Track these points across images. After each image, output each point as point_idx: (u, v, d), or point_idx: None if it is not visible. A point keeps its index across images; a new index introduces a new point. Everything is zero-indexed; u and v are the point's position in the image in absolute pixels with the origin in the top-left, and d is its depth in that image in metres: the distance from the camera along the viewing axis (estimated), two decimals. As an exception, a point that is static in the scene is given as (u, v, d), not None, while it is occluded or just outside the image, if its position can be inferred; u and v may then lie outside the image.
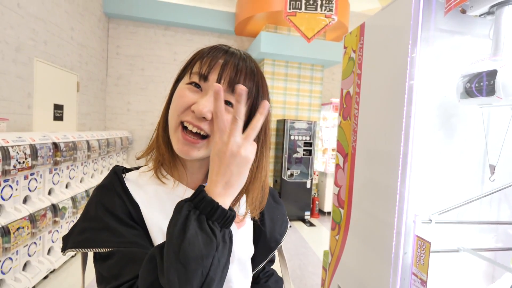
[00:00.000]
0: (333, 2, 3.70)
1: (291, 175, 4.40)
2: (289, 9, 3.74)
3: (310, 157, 4.47)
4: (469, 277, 1.09)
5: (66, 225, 2.70)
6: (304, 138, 4.43)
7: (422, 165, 0.99)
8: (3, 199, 1.91)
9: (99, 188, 0.52)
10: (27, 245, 2.15)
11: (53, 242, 2.51)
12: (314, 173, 4.82)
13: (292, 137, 4.38)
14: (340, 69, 1.59)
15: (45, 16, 3.00)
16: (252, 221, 0.63)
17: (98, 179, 3.33)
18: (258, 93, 0.52)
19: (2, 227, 1.81)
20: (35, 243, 2.25)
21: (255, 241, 0.63)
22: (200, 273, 0.36)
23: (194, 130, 0.48)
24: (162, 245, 0.40)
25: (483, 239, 1.08)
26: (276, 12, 4.13)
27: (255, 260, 0.63)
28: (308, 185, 4.46)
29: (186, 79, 0.51)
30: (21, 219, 1.97)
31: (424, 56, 0.95)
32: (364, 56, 1.31)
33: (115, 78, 4.82)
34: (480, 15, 0.90)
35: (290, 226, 3.90)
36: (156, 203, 0.52)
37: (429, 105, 1.01)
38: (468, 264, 1.08)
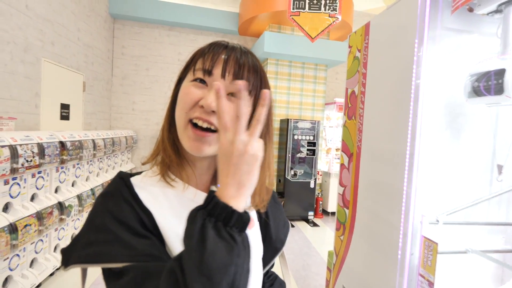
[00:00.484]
0: (337, 1, 3.69)
1: (295, 174, 4.40)
2: (293, 9, 3.73)
3: (314, 157, 4.46)
4: (477, 279, 1.08)
5: (72, 223, 2.73)
6: (307, 137, 4.42)
7: (429, 165, 0.98)
8: (11, 196, 1.93)
9: (104, 196, 0.48)
10: (34, 242, 2.18)
11: (59, 239, 2.53)
12: (318, 173, 4.81)
13: (295, 137, 4.38)
14: (344, 68, 1.59)
15: (53, 17, 3.03)
16: (258, 222, 0.63)
17: (104, 177, 3.36)
18: (261, 86, 0.51)
19: (10, 224, 1.84)
20: (41, 240, 2.28)
21: (262, 242, 0.63)
22: (225, 283, 0.35)
23: (205, 125, 0.47)
24: (179, 257, 0.37)
25: (492, 241, 1.07)
26: (280, 12, 4.13)
27: (263, 261, 0.62)
28: (312, 185, 4.45)
29: (190, 77, 0.50)
30: (28, 216, 2.00)
31: (430, 55, 0.94)
32: (369, 55, 1.31)
33: (120, 78, 4.85)
34: (487, 14, 0.89)
35: (293, 226, 3.88)
36: (168, 208, 0.49)
37: (436, 104, 1.00)
38: (477, 266, 1.07)
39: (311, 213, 4.47)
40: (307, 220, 4.49)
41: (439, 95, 1.00)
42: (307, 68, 4.74)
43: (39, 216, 2.11)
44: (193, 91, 0.48)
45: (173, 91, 0.55)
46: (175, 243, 0.46)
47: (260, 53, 4.39)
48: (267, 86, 0.53)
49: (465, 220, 1.00)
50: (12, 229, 1.85)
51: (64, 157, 2.43)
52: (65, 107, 3.36)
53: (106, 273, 0.43)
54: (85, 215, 2.97)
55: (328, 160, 4.89)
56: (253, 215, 0.61)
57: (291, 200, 4.37)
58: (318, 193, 4.91)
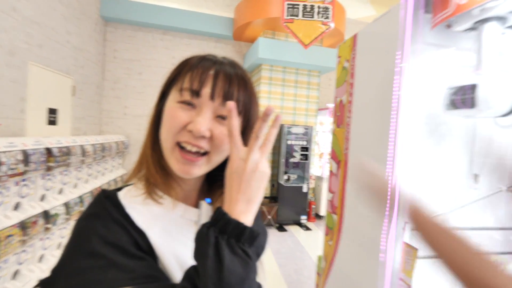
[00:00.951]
0: (330, 10, 3.72)
1: (288, 179, 4.40)
2: (287, 16, 3.76)
3: (307, 161, 4.47)
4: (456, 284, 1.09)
5: (58, 232, 2.67)
6: (301, 142, 4.44)
7: (411, 172, 0.99)
8: (-7, 205, 1.89)
9: (90, 218, 0.45)
10: (17, 253, 2.12)
11: (44, 249, 2.47)
12: (311, 177, 4.81)
13: (289, 142, 4.39)
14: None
15: (41, 19, 3.00)
16: None
17: (93, 184, 3.31)
18: (251, 102, 0.50)
19: (-8, 234, 1.79)
20: (25, 251, 2.22)
21: None
22: None
23: (194, 149, 0.46)
24: (190, 277, 0.38)
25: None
26: (274, 19, 4.15)
27: None
28: (305, 189, 4.45)
29: (176, 96, 0.47)
30: (11, 226, 1.95)
31: (412, 67, 0.95)
32: (357, 66, 1.32)
33: (112, 82, 4.81)
34: (464, 30, 0.91)
35: (286, 230, 3.89)
36: (159, 226, 0.48)
37: (418, 114, 1.01)
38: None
39: (304, 217, 4.47)
40: (300, 224, 4.48)
41: (420, 105, 1.01)
42: (300, 74, 4.76)
43: (23, 226, 2.06)
44: (180, 115, 0.46)
45: (156, 106, 0.52)
46: (170, 262, 0.45)
47: (254, 59, 4.40)
48: (255, 99, 0.51)
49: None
50: (-6, 238, 1.80)
51: (51, 164, 2.38)
52: (52, 111, 3.30)
53: None
54: (72, 224, 2.91)
55: (321, 165, 4.91)
56: None
57: (284, 204, 4.36)
58: (311, 197, 4.92)
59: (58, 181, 2.66)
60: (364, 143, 1.23)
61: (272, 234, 4.06)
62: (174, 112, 0.46)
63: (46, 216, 2.35)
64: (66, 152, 2.62)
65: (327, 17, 3.77)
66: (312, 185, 5.01)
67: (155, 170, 0.49)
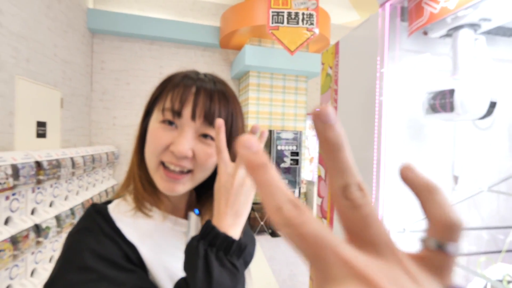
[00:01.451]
0: (314, 16, 3.83)
1: (279, 184, 4.43)
2: (272, 23, 3.85)
3: (298, 166, 4.52)
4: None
5: (50, 245, 2.63)
6: (291, 147, 4.50)
7: (395, 175, 1.04)
8: (-17, 221, 1.86)
9: (81, 232, 0.45)
10: (8, 268, 2.08)
11: (36, 263, 2.43)
12: (302, 182, 4.87)
13: (279, 147, 4.44)
14: (321, 82, 1.66)
15: (27, 33, 2.99)
16: None
17: (84, 195, 3.27)
18: (233, 117, 0.51)
19: (-18, 250, 1.76)
20: (17, 265, 2.18)
21: None
22: None
23: (177, 169, 0.47)
24: (180, 286, 0.40)
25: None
26: (260, 26, 4.24)
27: None
28: (296, 194, 4.50)
29: (158, 116, 0.48)
30: (2, 241, 1.92)
31: (392, 73, 1.02)
32: (340, 73, 1.38)
33: (100, 93, 4.79)
34: (440, 37, 0.97)
35: (279, 236, 3.86)
36: (149, 239, 0.48)
37: (400, 118, 1.07)
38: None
39: (296, 222, 4.49)
40: (293, 230, 4.51)
41: (402, 109, 1.07)
42: (288, 80, 4.85)
43: (14, 240, 2.03)
44: (162, 135, 0.46)
45: (141, 125, 0.53)
46: (160, 274, 0.46)
47: (241, 66, 4.47)
48: (239, 114, 0.52)
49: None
50: (-16, 255, 1.77)
51: (41, 177, 2.36)
52: (41, 124, 3.27)
53: None
54: (64, 236, 2.86)
55: (312, 169, 4.97)
56: None
57: (276, 210, 4.39)
58: (303, 202, 4.96)
59: (49, 194, 2.63)
60: (350, 148, 1.28)
61: (265, 240, 4.07)
62: (156, 133, 0.47)
63: (38, 229, 2.32)
64: (56, 164, 2.60)
65: (311, 24, 3.88)
66: (303, 190, 5.06)
67: (142, 188, 0.50)
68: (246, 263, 0.66)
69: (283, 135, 4.46)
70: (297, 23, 3.92)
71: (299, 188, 4.52)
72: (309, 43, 4.86)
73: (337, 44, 1.42)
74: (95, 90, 4.76)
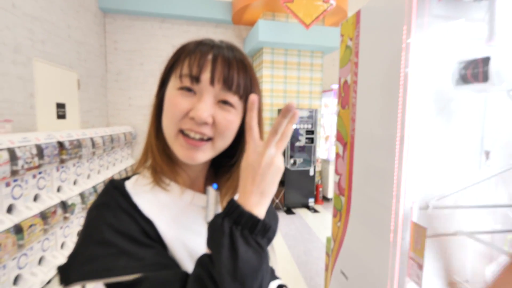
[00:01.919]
0: (331, -14, 3.62)
1: (294, 163, 4.43)
2: (286, -5, 3.67)
3: (313, 144, 4.48)
4: (467, 259, 1.12)
5: (76, 220, 2.78)
6: (306, 126, 4.43)
7: (419, 150, 1.00)
8: (14, 198, 1.97)
9: (99, 207, 0.45)
10: (40, 241, 2.22)
11: (65, 237, 2.59)
12: (317, 161, 4.84)
13: (294, 126, 4.37)
14: (339, 55, 1.59)
15: (41, 14, 2.99)
16: None
17: (105, 174, 3.40)
18: (252, 86, 0.49)
19: (15, 225, 1.87)
20: (48, 239, 2.33)
21: None
22: (256, 286, 0.38)
23: (197, 136, 0.46)
24: (203, 264, 0.39)
25: (481, 222, 1.10)
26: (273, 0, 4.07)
27: None
28: (311, 173, 4.49)
29: (175, 83, 0.47)
30: (32, 216, 2.04)
31: (419, 42, 0.95)
32: (361, 44, 1.31)
33: (114, 74, 4.82)
34: (474, 0, 0.89)
35: (294, 213, 3.94)
36: (167, 214, 0.48)
37: (426, 91, 1.01)
38: (467, 247, 1.11)
39: (311, 200, 4.53)
40: (307, 207, 4.55)
41: (428, 82, 1.01)
42: (303, 56, 4.69)
43: (43, 216, 2.15)
44: (180, 102, 0.45)
45: (157, 95, 0.52)
46: (179, 249, 0.46)
47: (255, 43, 4.35)
48: (256, 83, 0.51)
49: (454, 204, 1.02)
50: (18, 229, 1.89)
51: (64, 157, 2.45)
52: (61, 106, 3.35)
53: (114, 287, 0.41)
54: (88, 212, 3.01)
55: (327, 148, 4.92)
56: None
57: (291, 188, 4.42)
58: (318, 180, 4.96)
59: (72, 173, 2.74)
60: (371, 123, 1.23)
61: (281, 217, 4.14)
62: (175, 100, 0.46)
63: (64, 206, 2.44)
64: (77, 144, 2.68)
65: (328, -5, 3.68)
66: (318, 168, 5.04)
67: (160, 159, 0.49)
68: (269, 240, 0.66)
69: (298, 113, 4.39)
70: (313, -6, 3.72)
71: (314, 166, 4.51)
72: (325, 16, 4.64)
73: (358, 14, 1.33)
74: (110, 71, 4.79)
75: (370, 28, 1.23)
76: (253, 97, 0.42)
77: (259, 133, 0.49)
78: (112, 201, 0.46)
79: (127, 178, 0.52)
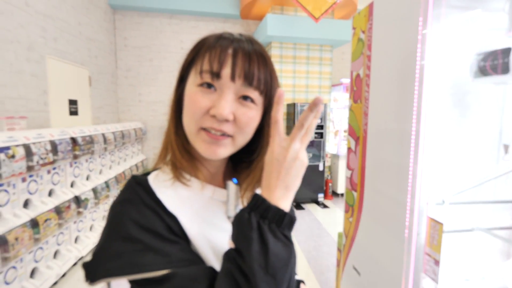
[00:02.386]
0: (341, -22, 3.56)
1: (303, 158, 4.41)
2: (295, -12, 3.62)
3: (322, 139, 4.45)
4: (484, 255, 1.10)
5: (89, 215, 2.84)
6: (315, 121, 4.39)
7: (435, 145, 0.98)
8: (30, 193, 2.02)
9: (123, 203, 0.45)
10: (55, 235, 2.28)
11: (78, 231, 2.65)
12: (326, 156, 4.81)
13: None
14: (350, 48, 1.55)
15: (53, 12, 3.03)
16: None
17: (116, 170, 3.45)
18: (272, 79, 0.49)
19: (32, 219, 1.93)
20: (62, 233, 2.39)
21: None
22: (286, 279, 0.39)
23: (218, 134, 0.45)
24: (233, 258, 0.39)
25: (498, 218, 1.08)
26: (282, -7, 4.01)
27: None
28: (321, 168, 4.47)
29: (196, 79, 0.46)
30: (48, 211, 2.09)
31: (435, 34, 0.92)
32: (374, 37, 1.28)
33: (124, 70, 4.87)
34: (495, -12, 0.86)
35: (303, 209, 3.93)
36: (190, 209, 0.48)
37: (442, 83, 0.98)
38: (483, 243, 1.08)
39: (321, 195, 4.51)
40: (317, 202, 4.54)
41: (445, 74, 0.98)
42: (312, 50, 4.64)
43: (58, 210, 2.20)
44: (201, 99, 0.45)
45: (176, 90, 0.51)
46: (203, 245, 0.46)
47: (263, 37, 4.32)
48: (275, 76, 0.50)
49: (471, 199, 1.00)
50: (34, 224, 1.94)
51: (77, 153, 2.50)
52: (73, 102, 3.41)
53: (140, 283, 0.41)
54: (101, 207, 3.07)
55: (337, 142, 4.88)
56: None
57: (301, 183, 4.40)
58: (328, 175, 4.93)
59: (85, 168, 2.80)
60: (384, 117, 1.21)
61: (291, 212, 4.14)
62: (195, 97, 0.45)
63: (77, 201, 2.49)
64: (90, 140, 2.73)
65: (338, -12, 3.62)
66: (328, 163, 5.01)
67: (180, 154, 0.49)
68: None
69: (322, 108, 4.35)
70: (322, -13, 3.66)
71: (324, 161, 4.48)
72: (335, 9, 4.56)
73: (371, 6, 1.30)
74: (120, 68, 4.84)
75: (384, 20, 1.20)
76: (280, 91, 0.41)
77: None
78: (136, 196, 0.45)
79: (147, 173, 0.52)
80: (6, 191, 1.81)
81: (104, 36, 4.33)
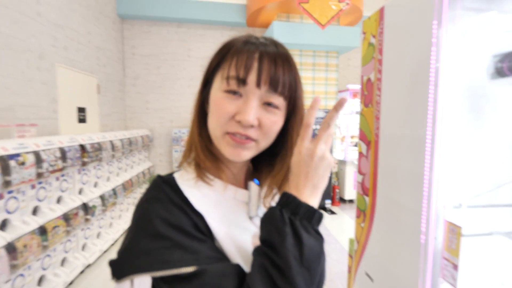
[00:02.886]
0: (346, -15, 3.58)
1: (310, 165, 4.38)
2: (301, -4, 3.66)
3: (329, 146, 4.42)
4: (503, 260, 1.06)
5: (97, 222, 2.84)
6: (321, 127, 4.38)
7: (450, 148, 0.96)
8: (39, 200, 2.02)
9: (150, 201, 0.46)
10: (63, 242, 2.28)
11: (86, 238, 2.64)
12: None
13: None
14: (356, 54, 1.55)
15: (64, 22, 3.09)
16: None
17: (124, 177, 3.46)
18: (296, 83, 0.50)
19: (40, 226, 1.93)
20: (70, 240, 2.39)
21: None
22: (319, 272, 0.41)
23: (243, 138, 0.47)
24: (264, 252, 0.40)
25: (519, 223, 1.04)
26: (288, 1, 4.05)
27: None
28: (328, 174, 4.43)
29: (222, 85, 0.47)
30: (56, 218, 2.09)
31: (450, 36, 0.91)
32: (385, 41, 1.28)
33: (132, 78, 4.93)
34: (510, -11, 0.85)
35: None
36: (215, 209, 0.49)
37: (457, 87, 0.97)
38: (502, 248, 1.05)
39: (328, 201, 4.46)
40: (324, 209, 4.48)
41: (460, 77, 0.97)
42: (318, 56, 4.66)
43: (66, 217, 2.20)
44: (227, 105, 0.46)
45: (200, 93, 0.53)
46: (228, 244, 0.47)
47: (268, 44, 4.34)
48: (299, 79, 0.51)
49: (489, 203, 0.97)
50: (42, 231, 1.94)
51: (85, 160, 2.51)
52: (81, 110, 3.45)
53: (168, 280, 0.41)
54: (108, 215, 3.07)
55: (343, 148, 4.84)
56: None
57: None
58: (335, 182, 4.89)
59: (93, 175, 2.81)
60: (396, 121, 1.20)
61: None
62: (221, 103, 0.46)
63: (85, 208, 2.50)
64: (98, 147, 2.75)
65: (344, -5, 3.64)
66: (335, 169, 4.97)
67: (204, 155, 0.50)
68: None
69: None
70: (328, -6, 3.69)
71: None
72: (341, 16, 4.59)
73: (381, 10, 1.30)
74: (128, 76, 4.91)
75: (396, 24, 1.20)
76: (317, 98, 0.44)
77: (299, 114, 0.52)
78: (163, 195, 0.46)
79: (171, 174, 0.53)
80: (15, 198, 1.82)
81: (113, 44, 4.41)
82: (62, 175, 2.30)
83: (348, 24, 4.96)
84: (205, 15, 4.80)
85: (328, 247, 3.18)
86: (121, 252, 0.44)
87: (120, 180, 3.31)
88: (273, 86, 0.46)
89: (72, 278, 2.28)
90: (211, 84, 0.50)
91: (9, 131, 2.09)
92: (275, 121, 0.48)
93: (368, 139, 1.45)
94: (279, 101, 0.47)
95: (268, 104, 0.47)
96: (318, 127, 4.32)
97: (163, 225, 0.42)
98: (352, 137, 4.76)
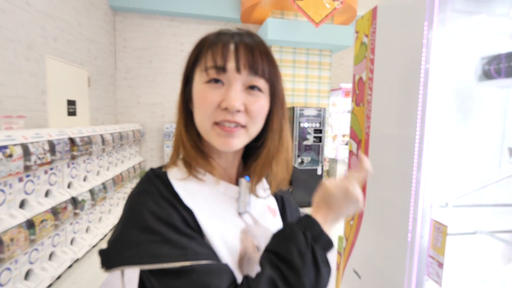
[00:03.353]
0: (341, -16, 3.60)
1: (302, 162, 4.41)
2: (296, -7, 3.65)
3: (320, 143, 4.45)
4: (486, 258, 1.09)
5: (86, 217, 2.80)
6: (314, 125, 4.41)
7: (438, 148, 0.98)
8: (26, 193, 1.99)
9: (141, 194, 0.46)
10: (51, 236, 2.25)
11: (74, 233, 2.61)
12: (325, 160, 4.81)
13: (301, 124, 4.37)
14: (350, 53, 1.57)
15: (54, 12, 3.02)
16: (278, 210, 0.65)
17: (113, 171, 3.42)
18: (275, 70, 0.50)
19: (28, 220, 1.90)
20: (58, 234, 2.35)
21: None
22: None
23: (233, 125, 0.46)
24: (277, 266, 0.42)
25: (501, 222, 1.08)
26: (283, -3, 4.05)
27: None
28: (319, 172, 4.47)
29: (202, 77, 0.47)
30: (44, 212, 2.06)
31: (440, 38, 0.93)
32: (377, 41, 1.29)
33: (123, 72, 4.85)
34: (499, -6, 0.87)
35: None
36: (205, 204, 0.48)
37: (446, 88, 0.99)
38: (485, 246, 1.09)
39: (318, 200, 4.50)
40: (315, 207, 4.53)
41: (449, 78, 0.99)
42: (311, 54, 4.67)
43: (55, 211, 2.17)
44: (211, 95, 0.46)
45: (182, 92, 0.52)
46: (216, 240, 0.47)
47: (262, 41, 4.34)
48: (276, 66, 0.51)
49: (474, 203, 1.00)
50: (30, 224, 1.91)
51: (75, 153, 2.47)
52: (71, 103, 3.39)
53: (157, 274, 0.41)
54: (98, 209, 3.04)
55: (335, 147, 4.89)
56: (273, 203, 0.63)
57: (299, 187, 4.40)
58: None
59: (82, 169, 2.77)
60: (387, 120, 1.21)
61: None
62: (204, 94, 0.46)
63: (74, 202, 2.46)
64: (88, 141, 2.70)
65: (338, -7, 3.66)
66: (326, 167, 5.01)
67: (194, 153, 0.50)
68: None
69: (306, 112, 4.37)
70: (323, -8, 3.70)
71: (322, 166, 4.48)
72: (335, 15, 4.61)
73: (374, 10, 1.31)
74: (119, 69, 4.83)
75: (388, 24, 1.21)
76: (364, 156, 0.50)
77: (284, 116, 0.53)
78: (154, 188, 0.46)
79: (161, 167, 0.52)
80: (2, 191, 1.78)
81: (104, 37, 4.33)
82: (51, 168, 2.26)
83: (342, 23, 4.99)
84: (199, 9, 4.75)
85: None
86: (111, 242, 0.44)
87: (110, 174, 3.28)
88: (253, 69, 0.46)
89: (60, 273, 2.25)
90: (192, 82, 0.50)
91: (-4, 123, 2.04)
92: (262, 105, 0.48)
93: (359, 137, 1.47)
94: (261, 83, 0.47)
95: (251, 88, 0.47)
96: (310, 125, 4.36)
97: (152, 219, 0.42)
98: (343, 135, 4.81)
